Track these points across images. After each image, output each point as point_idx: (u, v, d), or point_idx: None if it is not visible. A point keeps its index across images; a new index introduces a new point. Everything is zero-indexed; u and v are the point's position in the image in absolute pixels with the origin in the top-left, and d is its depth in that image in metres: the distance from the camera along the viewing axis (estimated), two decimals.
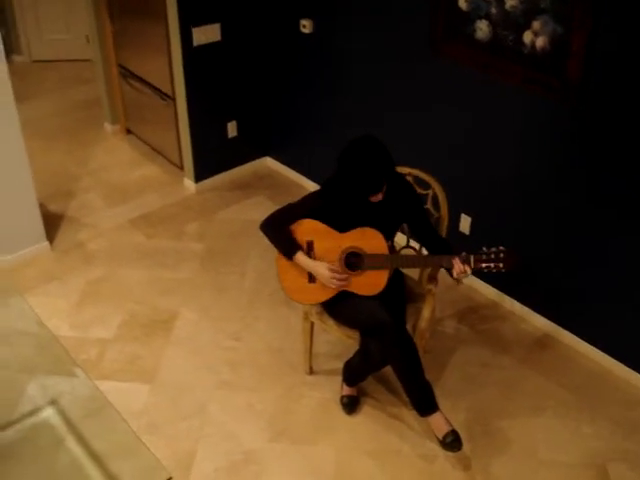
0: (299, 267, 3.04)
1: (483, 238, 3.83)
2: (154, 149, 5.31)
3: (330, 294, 3.05)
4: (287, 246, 3.02)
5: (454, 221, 3.97)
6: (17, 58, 6.83)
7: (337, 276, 2.97)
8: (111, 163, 5.27)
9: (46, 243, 4.29)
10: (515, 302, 3.91)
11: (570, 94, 3.18)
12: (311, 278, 3.06)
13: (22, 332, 3.69)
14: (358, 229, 2.96)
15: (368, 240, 2.96)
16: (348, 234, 2.98)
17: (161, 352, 3.63)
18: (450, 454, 3.10)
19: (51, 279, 4.10)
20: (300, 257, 3.00)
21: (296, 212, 3.04)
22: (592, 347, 3.64)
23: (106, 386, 3.43)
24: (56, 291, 4.02)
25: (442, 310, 3.94)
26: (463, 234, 3.99)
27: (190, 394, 3.41)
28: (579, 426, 3.30)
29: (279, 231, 3.04)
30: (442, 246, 3.06)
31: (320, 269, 2.98)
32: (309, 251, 3.02)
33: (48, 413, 3.30)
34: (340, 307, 3.09)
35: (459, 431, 3.03)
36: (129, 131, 5.57)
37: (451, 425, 3.02)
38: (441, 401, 3.33)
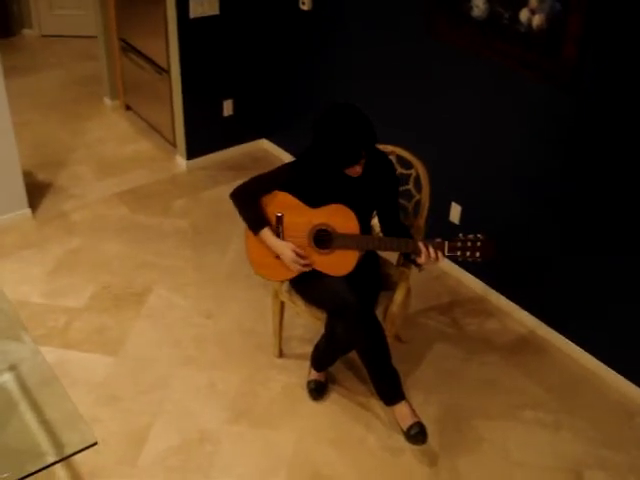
0: None
1: (473, 228, 3.69)
2: (150, 125, 5.20)
3: (296, 272, 2.91)
4: (254, 220, 2.88)
5: (444, 210, 3.82)
6: (27, 32, 6.81)
7: (301, 261, 2.83)
8: (106, 137, 5.18)
9: (27, 210, 4.20)
10: (502, 297, 3.74)
11: (565, 76, 3.01)
12: None
13: None
14: (331, 205, 2.80)
15: (340, 218, 2.80)
16: (320, 210, 2.82)
17: (129, 325, 3.52)
18: (417, 448, 2.95)
19: (29, 246, 4.01)
20: (266, 234, 2.86)
21: (269, 184, 2.89)
22: (579, 348, 3.45)
23: (70, 355, 3.33)
24: (32, 258, 3.93)
25: (426, 302, 3.78)
26: (452, 223, 3.82)
27: (153, 369, 3.29)
28: (557, 429, 3.12)
29: (249, 203, 2.89)
30: (405, 235, 2.89)
31: (285, 250, 2.83)
32: (278, 225, 2.88)
33: (5, 378, 3.20)
34: (307, 285, 2.95)
35: (429, 425, 2.88)
36: (129, 107, 5.48)
37: (417, 417, 2.86)
38: (413, 393, 3.20)
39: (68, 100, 5.70)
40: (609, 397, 3.30)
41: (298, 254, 2.83)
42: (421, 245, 2.69)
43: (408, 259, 2.84)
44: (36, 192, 4.43)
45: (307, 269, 2.85)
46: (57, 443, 2.69)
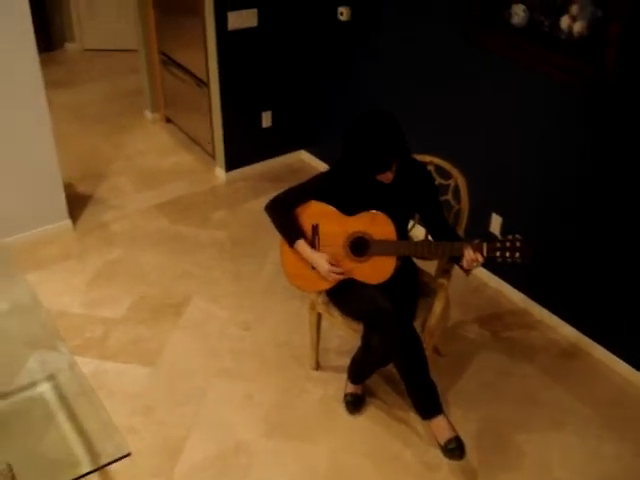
0: None
1: None
2: (190, 137, 5.25)
3: (331, 283, 2.88)
4: (289, 232, 2.88)
5: (484, 221, 3.76)
6: (69, 46, 6.94)
7: (335, 270, 2.81)
8: (146, 149, 5.24)
9: (68, 221, 4.25)
10: (544, 310, 3.65)
11: (606, 83, 2.94)
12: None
13: (28, 307, 3.64)
14: (367, 213, 2.78)
15: (376, 225, 2.78)
16: (356, 218, 2.80)
17: (167, 336, 3.52)
18: (455, 464, 2.89)
19: (69, 257, 4.06)
20: (301, 246, 2.85)
21: (303, 194, 2.89)
22: (624, 363, 3.36)
23: (107, 366, 3.35)
24: (72, 269, 3.97)
25: (465, 314, 3.71)
26: (493, 235, 3.75)
27: (190, 380, 3.28)
28: (600, 446, 3.03)
29: (284, 215, 2.90)
30: (453, 240, 2.85)
31: (319, 260, 2.83)
32: (314, 235, 2.87)
33: (44, 388, 3.23)
34: (343, 295, 2.92)
35: (467, 441, 2.82)
36: (169, 120, 5.53)
37: (455, 431, 2.79)
38: (453, 408, 3.14)
39: (109, 113, 5.79)
40: None
41: (333, 264, 2.81)
42: (463, 247, 2.66)
43: (454, 261, 2.80)
44: (77, 203, 4.49)
45: (342, 277, 2.83)
46: (92, 453, 2.70)
